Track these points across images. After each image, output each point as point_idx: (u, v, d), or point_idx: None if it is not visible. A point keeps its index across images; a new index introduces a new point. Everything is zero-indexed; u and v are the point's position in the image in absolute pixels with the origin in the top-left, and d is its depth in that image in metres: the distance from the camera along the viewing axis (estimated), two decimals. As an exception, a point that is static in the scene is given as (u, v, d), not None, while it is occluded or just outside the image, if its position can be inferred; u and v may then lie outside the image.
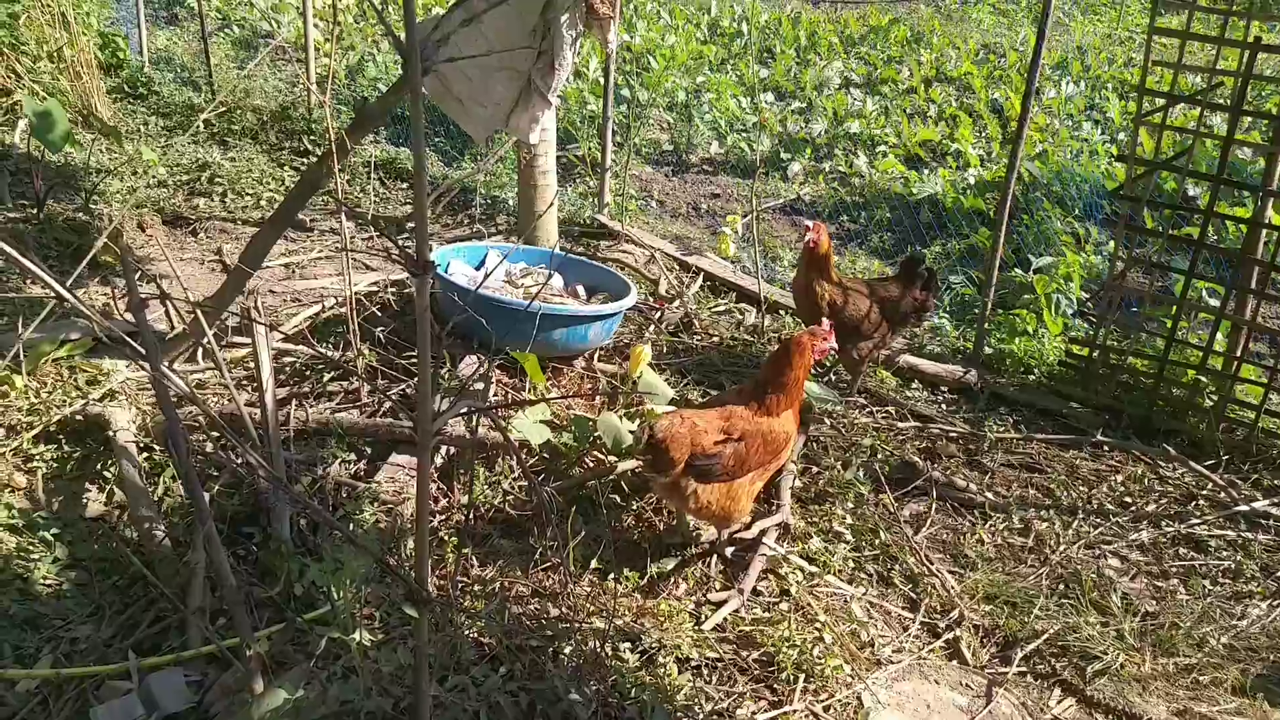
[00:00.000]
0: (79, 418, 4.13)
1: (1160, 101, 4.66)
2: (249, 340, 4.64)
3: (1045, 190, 7.27)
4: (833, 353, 4.41)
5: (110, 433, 3.99)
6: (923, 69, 11.26)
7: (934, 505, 4.22)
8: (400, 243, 6.85)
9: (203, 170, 7.51)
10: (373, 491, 3.69)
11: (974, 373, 5.24)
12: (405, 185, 7.75)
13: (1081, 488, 4.48)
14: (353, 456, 3.97)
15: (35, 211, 6.39)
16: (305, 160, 7.93)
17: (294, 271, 6.43)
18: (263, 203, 7.32)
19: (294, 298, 5.88)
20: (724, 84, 9.97)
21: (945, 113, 9.86)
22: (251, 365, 4.58)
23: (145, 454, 4.01)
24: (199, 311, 4.20)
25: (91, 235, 6.31)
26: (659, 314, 5.44)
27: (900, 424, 4.77)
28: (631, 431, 3.95)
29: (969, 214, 7.31)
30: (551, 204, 5.33)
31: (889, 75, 10.95)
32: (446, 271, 4.77)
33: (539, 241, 5.30)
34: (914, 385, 5.24)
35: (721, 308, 5.75)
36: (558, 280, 5.04)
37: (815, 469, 4.29)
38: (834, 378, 5.10)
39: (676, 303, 5.57)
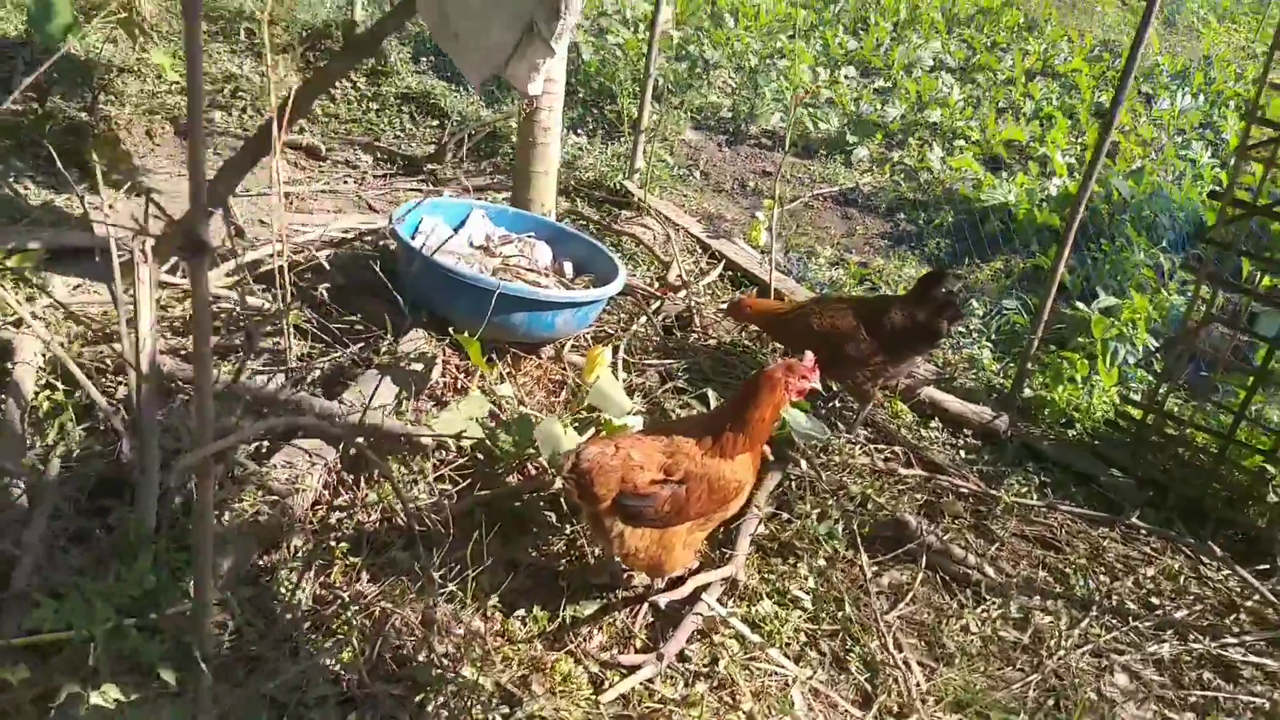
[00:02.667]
0: (-14, 341, 3.75)
1: (1271, 132, 3.88)
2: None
3: (1135, 214, 6.43)
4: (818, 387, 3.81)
5: (10, 364, 3.61)
6: (1028, 60, 10.30)
7: (920, 576, 3.61)
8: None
9: (228, 82, 7.10)
10: (261, 476, 3.23)
11: (1005, 418, 4.57)
12: (435, 123, 7.23)
13: (1103, 577, 3.82)
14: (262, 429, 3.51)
15: (36, 107, 6.06)
16: (340, 84, 7.45)
17: (293, 202, 6.00)
18: (281, 124, 6.88)
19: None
20: (798, 51, 9.19)
21: (1042, 111, 8.95)
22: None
23: (49, 391, 3.63)
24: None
25: (91, 138, 5.97)
26: (658, 303, 4.86)
27: (904, 470, 4.13)
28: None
29: (1042, 229, 6.52)
30: (547, 164, 4.74)
31: (987, 62, 10.03)
32: (417, 230, 4.26)
33: (532, 206, 4.75)
34: (933, 424, 4.59)
35: (735, 304, 5.13)
36: (545, 253, 4.50)
37: (786, 516, 3.70)
38: (839, 404, 4.48)
39: (683, 293, 4.98)
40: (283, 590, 3.08)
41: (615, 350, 4.27)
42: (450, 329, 3.78)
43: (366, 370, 3.65)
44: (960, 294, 4.35)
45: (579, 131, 7.44)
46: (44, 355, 3.76)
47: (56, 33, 5.45)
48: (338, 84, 7.38)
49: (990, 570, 3.70)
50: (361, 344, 3.83)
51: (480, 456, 3.59)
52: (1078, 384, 4.62)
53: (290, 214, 5.87)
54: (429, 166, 6.59)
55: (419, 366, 3.65)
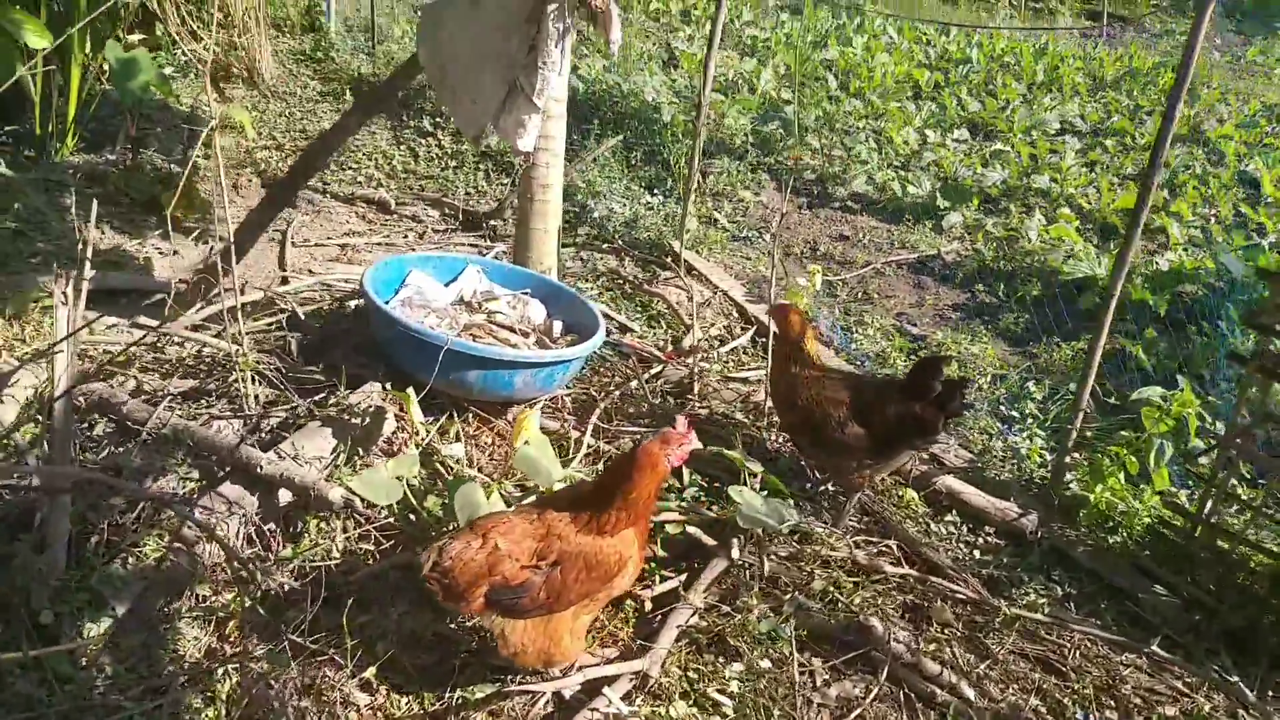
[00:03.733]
0: (-8, 372, 3.94)
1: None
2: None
3: (1249, 295, 5.69)
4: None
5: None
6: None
7: (876, 690, 3.18)
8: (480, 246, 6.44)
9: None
10: (172, 522, 3.20)
11: (1033, 516, 4.04)
12: (508, 181, 7.31)
13: (1111, 713, 3.25)
14: (196, 475, 3.50)
15: (130, 157, 6.51)
16: (425, 141, 7.69)
17: (348, 252, 6.16)
18: (359, 179, 7.14)
19: (321, 281, 5.55)
20: (891, 113, 8.80)
21: (1177, 179, 8.16)
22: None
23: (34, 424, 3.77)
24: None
25: (174, 188, 6.33)
26: (660, 367, 4.63)
27: (890, 568, 3.69)
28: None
29: (1140, 307, 5.85)
30: (548, 221, 4.62)
31: (1120, 127, 9.28)
32: (403, 283, 4.23)
33: (531, 263, 4.63)
34: (948, 518, 4.11)
35: (749, 375, 4.82)
36: (538, 311, 4.37)
37: (728, 608, 3.35)
38: (833, 487, 4.08)
39: (696, 357, 4.71)
40: (175, 641, 3.03)
41: (590, 413, 4.07)
42: (390, 384, 3.69)
43: (310, 422, 3.60)
44: (969, 384, 3.88)
45: (654, 191, 7.33)
46: (35, 389, 3.94)
47: (137, 89, 5.86)
48: (421, 141, 7.60)
49: (969, 691, 3.21)
50: (322, 394, 3.79)
51: (413, 518, 3.46)
52: (1122, 483, 4.03)
53: (342, 265, 6.03)
54: (490, 222, 6.63)
55: (361, 420, 3.56)
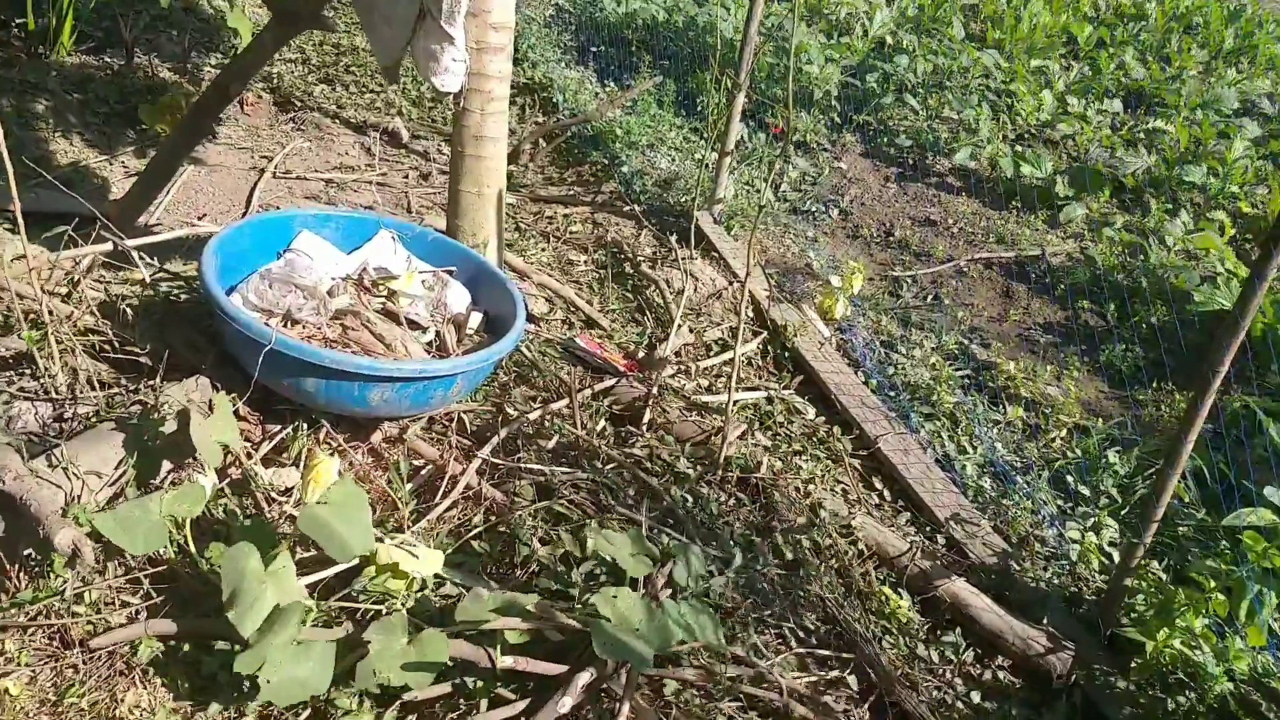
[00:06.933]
0: None
1: None
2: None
3: None
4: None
5: None
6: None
7: None
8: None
9: (342, 56, 6.67)
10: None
11: (1067, 654, 2.93)
12: (544, 119, 6.35)
13: None
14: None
15: (125, 62, 5.88)
16: (466, 66, 6.79)
17: (332, 189, 5.38)
18: (378, 103, 6.34)
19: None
20: (1021, 75, 7.31)
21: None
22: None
23: None
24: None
25: (162, 97, 5.68)
26: (612, 381, 3.64)
27: (839, 706, 2.66)
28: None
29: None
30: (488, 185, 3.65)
31: (1320, 110, 7.51)
32: (288, 247, 3.37)
33: (462, 234, 3.68)
34: (948, 637, 3.03)
35: (744, 401, 3.78)
36: (460, 297, 3.45)
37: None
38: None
39: (660, 374, 3.70)
40: None
41: (478, 444, 3.15)
42: (220, 383, 2.87)
43: (100, 423, 2.83)
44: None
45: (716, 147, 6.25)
46: None
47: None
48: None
49: None
50: (139, 386, 3.02)
51: (188, 571, 2.66)
52: (1199, 628, 2.85)
53: (316, 205, 5.26)
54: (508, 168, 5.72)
55: (154, 427, 2.76)
